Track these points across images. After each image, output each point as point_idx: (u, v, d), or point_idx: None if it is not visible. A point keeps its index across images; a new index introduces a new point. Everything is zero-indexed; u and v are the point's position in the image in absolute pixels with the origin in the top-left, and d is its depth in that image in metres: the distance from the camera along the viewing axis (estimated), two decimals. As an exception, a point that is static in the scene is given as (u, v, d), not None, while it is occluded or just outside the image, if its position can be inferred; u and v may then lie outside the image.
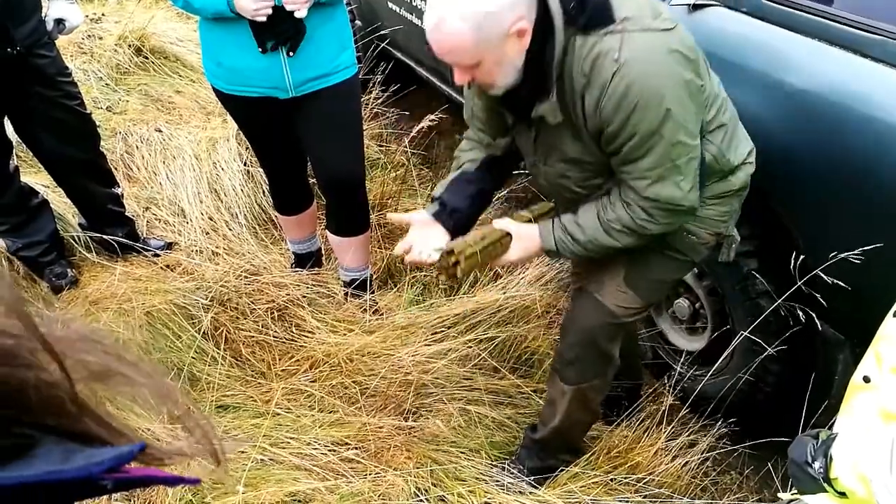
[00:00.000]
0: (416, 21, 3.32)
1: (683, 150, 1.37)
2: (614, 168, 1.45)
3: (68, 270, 2.65)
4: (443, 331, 2.30)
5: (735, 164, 1.57)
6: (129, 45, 3.96)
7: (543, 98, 1.38)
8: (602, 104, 1.32)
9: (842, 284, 1.66)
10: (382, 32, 3.54)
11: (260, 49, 2.01)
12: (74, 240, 2.75)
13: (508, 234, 1.55)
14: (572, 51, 1.33)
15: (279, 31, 1.98)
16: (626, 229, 1.46)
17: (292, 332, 2.32)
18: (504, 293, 2.44)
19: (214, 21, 2.04)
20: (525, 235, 1.56)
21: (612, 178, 1.50)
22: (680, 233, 1.59)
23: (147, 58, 3.99)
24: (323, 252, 2.75)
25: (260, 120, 2.26)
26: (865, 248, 1.56)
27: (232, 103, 2.24)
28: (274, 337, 2.29)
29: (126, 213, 2.76)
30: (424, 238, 1.57)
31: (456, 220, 1.60)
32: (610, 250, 1.53)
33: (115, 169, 2.93)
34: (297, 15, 1.92)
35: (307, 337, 2.29)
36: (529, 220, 1.62)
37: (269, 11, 1.89)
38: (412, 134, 2.91)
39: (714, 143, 1.51)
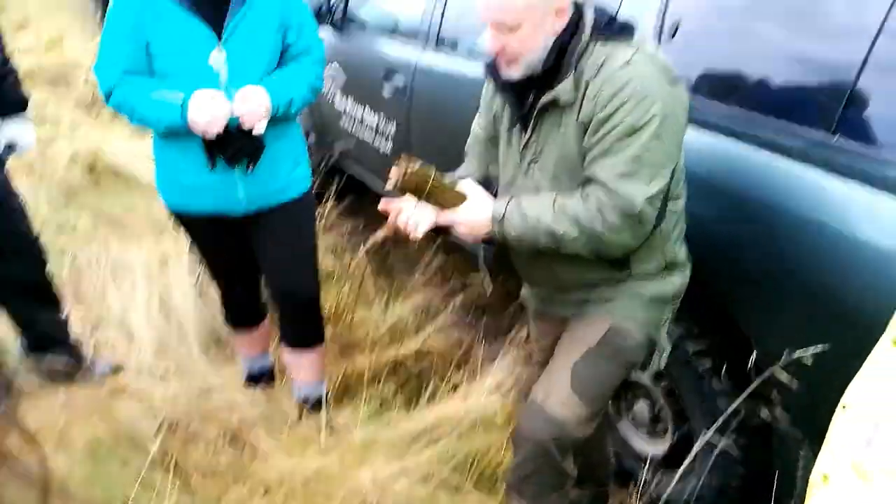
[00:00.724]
0: (368, 136, 3.42)
1: (655, 158, 1.46)
2: (587, 167, 1.51)
3: (2, 399, 2.51)
4: (403, 447, 2.23)
5: (676, 260, 1.67)
6: (82, 164, 3.97)
7: (560, 81, 1.51)
8: (601, 90, 1.46)
9: (796, 382, 1.68)
10: (336, 147, 3.64)
11: (210, 166, 2.02)
12: (15, 365, 2.63)
13: (465, 196, 1.57)
14: (591, 51, 1.51)
15: (238, 148, 2.01)
16: (575, 218, 1.49)
17: (245, 456, 2.22)
18: (464, 402, 2.40)
19: (168, 138, 2.06)
20: (479, 198, 1.58)
21: None
22: (621, 333, 1.65)
23: (100, 176, 4.00)
24: (276, 368, 2.69)
25: (214, 236, 2.25)
26: (811, 348, 1.59)
27: (185, 220, 2.23)
28: (226, 462, 2.18)
29: (71, 337, 2.67)
30: (417, 208, 1.58)
31: None
32: (550, 240, 1.52)
33: (62, 290, 2.86)
34: (255, 132, 1.96)
35: (261, 461, 2.19)
36: None
37: (220, 129, 1.92)
38: (368, 244, 2.94)
39: (668, 223, 1.60)
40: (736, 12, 1.90)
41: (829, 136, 1.62)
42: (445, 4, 2.95)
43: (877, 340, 1.06)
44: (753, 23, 1.85)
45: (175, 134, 2.00)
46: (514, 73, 1.54)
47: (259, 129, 1.96)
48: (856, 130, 1.59)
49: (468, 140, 1.84)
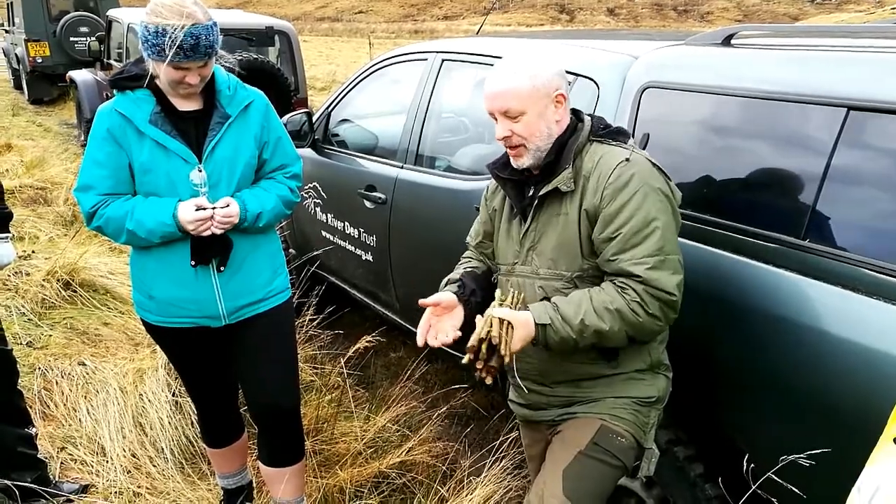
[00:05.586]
0: (349, 247, 3.48)
1: (673, 248, 1.57)
2: (609, 262, 1.58)
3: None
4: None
5: (661, 361, 1.74)
6: (58, 280, 3.94)
7: (559, 172, 1.62)
8: (604, 186, 1.57)
9: (794, 489, 1.65)
10: (315, 254, 3.68)
11: (192, 262, 2.02)
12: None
13: (506, 322, 1.58)
14: (588, 149, 1.65)
15: (207, 249, 2.01)
16: (617, 311, 1.55)
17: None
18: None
19: (147, 254, 2.06)
20: (522, 322, 1.58)
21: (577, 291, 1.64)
22: (611, 434, 1.67)
23: (76, 291, 3.95)
24: (254, 485, 2.57)
25: (192, 350, 2.21)
26: (805, 453, 1.57)
27: (162, 335, 2.19)
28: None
29: (38, 456, 2.55)
30: (438, 322, 1.69)
31: (473, 302, 1.76)
32: (597, 337, 1.57)
33: (31, 407, 2.76)
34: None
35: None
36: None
37: (209, 225, 1.95)
38: (348, 354, 2.91)
39: None
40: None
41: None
42: (423, 126, 3.10)
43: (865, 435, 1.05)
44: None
45: (161, 244, 2.00)
46: (524, 161, 1.66)
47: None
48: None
49: (470, 233, 1.98)
